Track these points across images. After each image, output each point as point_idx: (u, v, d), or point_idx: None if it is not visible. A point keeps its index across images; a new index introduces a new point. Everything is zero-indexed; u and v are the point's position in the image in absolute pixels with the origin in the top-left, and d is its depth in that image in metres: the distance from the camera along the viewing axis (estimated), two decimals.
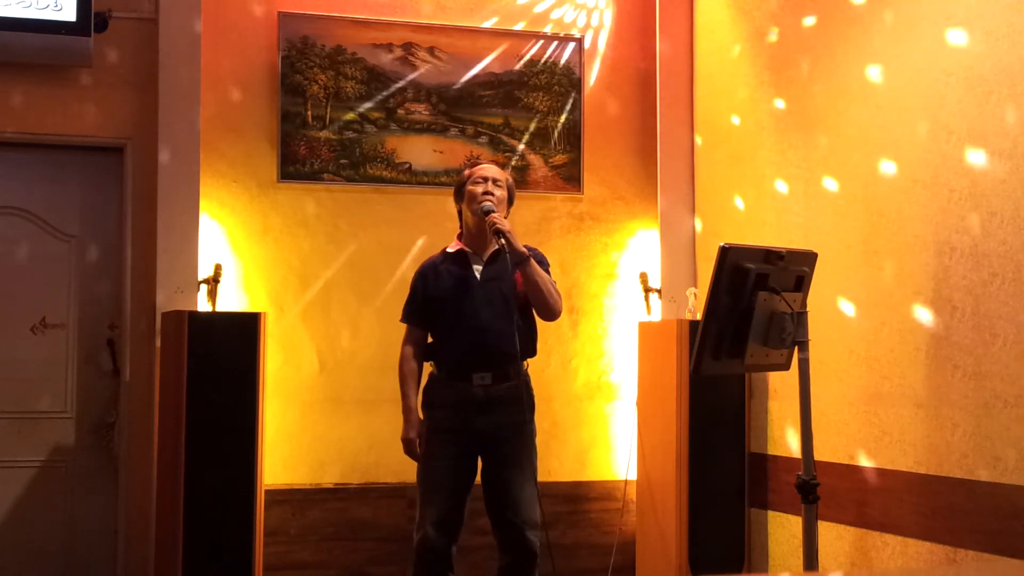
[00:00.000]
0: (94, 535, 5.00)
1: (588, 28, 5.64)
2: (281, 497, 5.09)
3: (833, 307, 4.61)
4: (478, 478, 4.37)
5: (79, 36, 4.79)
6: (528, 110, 5.53)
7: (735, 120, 5.32)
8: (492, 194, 4.34)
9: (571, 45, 5.60)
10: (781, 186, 4.98)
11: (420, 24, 5.42)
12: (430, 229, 5.25)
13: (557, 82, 5.57)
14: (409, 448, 4.33)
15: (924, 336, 4.18)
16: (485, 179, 4.38)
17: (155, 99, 4.98)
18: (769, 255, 3.70)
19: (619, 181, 5.65)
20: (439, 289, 4.37)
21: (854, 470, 4.48)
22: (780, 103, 5.01)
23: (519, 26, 5.55)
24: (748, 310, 3.61)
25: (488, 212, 4.28)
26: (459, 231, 4.50)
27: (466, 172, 4.50)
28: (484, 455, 4.33)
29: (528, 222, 5.44)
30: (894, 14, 4.36)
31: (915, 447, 4.21)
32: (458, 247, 4.43)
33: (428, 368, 4.44)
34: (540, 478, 4.37)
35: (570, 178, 5.57)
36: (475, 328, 4.29)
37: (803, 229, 4.81)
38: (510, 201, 4.46)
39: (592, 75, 5.63)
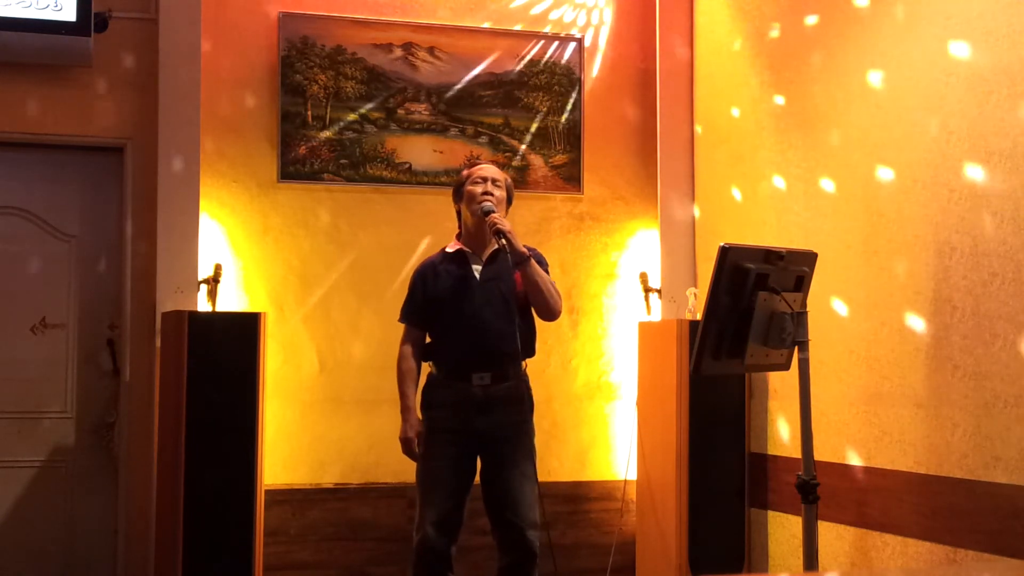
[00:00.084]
0: (94, 535, 5.00)
1: (588, 28, 5.64)
2: (281, 497, 5.09)
3: (833, 307, 4.61)
4: (477, 478, 4.37)
5: (79, 36, 4.79)
6: (528, 110, 5.53)
7: (735, 120, 5.32)
8: (491, 194, 4.34)
9: (571, 45, 5.60)
10: (781, 186, 4.98)
11: (420, 24, 5.42)
12: (430, 229, 5.25)
13: (557, 82, 5.57)
14: (407, 448, 4.33)
15: (924, 336, 4.18)
16: (484, 179, 4.38)
17: (155, 99, 4.98)
18: (769, 255, 3.70)
19: (619, 181, 5.65)
20: (438, 289, 4.37)
21: (854, 470, 4.48)
22: (780, 102, 5.01)
23: (519, 26, 5.55)
24: (748, 310, 3.61)
25: (488, 212, 4.28)
26: (458, 231, 4.50)
27: (465, 172, 4.50)
28: (483, 455, 4.33)
29: (528, 222, 5.44)
30: (894, 14, 4.36)
31: (915, 447, 4.21)
32: (457, 247, 4.43)
33: (427, 368, 4.45)
34: (540, 478, 4.37)
35: (570, 178, 5.57)
36: (475, 328, 4.29)
37: (803, 229, 4.81)
38: (509, 201, 4.47)
39: (592, 75, 5.63)
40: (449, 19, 5.45)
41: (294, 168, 5.23)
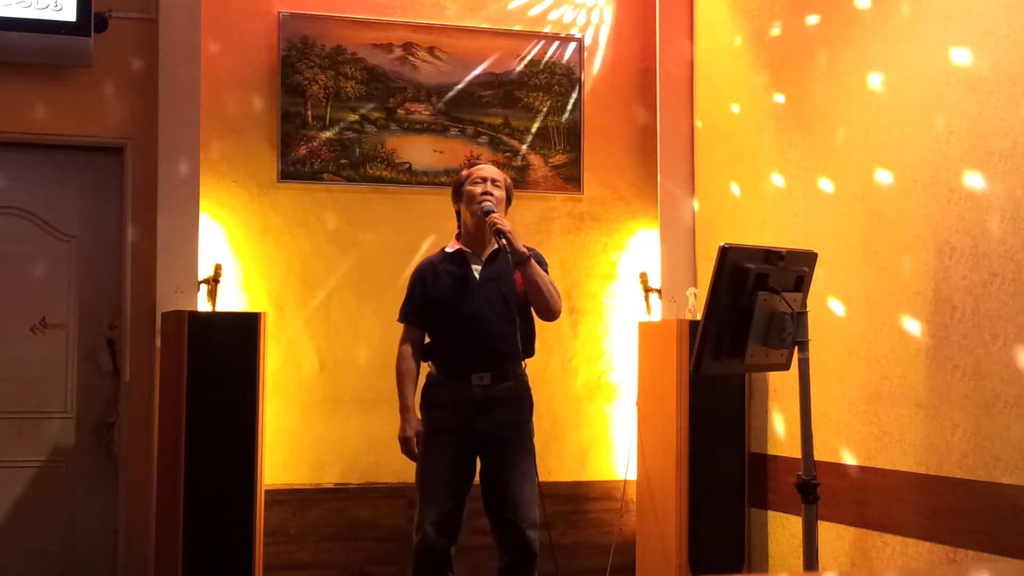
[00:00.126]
0: (94, 535, 5.00)
1: (588, 28, 5.64)
2: (281, 497, 5.09)
3: (833, 307, 4.61)
4: (477, 478, 4.37)
5: (79, 36, 4.79)
6: (528, 110, 5.53)
7: (735, 120, 5.32)
8: (491, 194, 4.34)
9: (571, 45, 5.60)
10: (781, 185, 4.98)
11: (420, 24, 5.42)
12: (431, 229, 5.25)
13: (557, 82, 5.57)
14: (406, 447, 4.33)
15: (924, 336, 4.18)
16: (484, 179, 4.38)
17: (155, 99, 4.99)
18: (769, 255, 3.70)
19: (619, 181, 5.65)
20: (438, 289, 4.37)
21: (854, 470, 4.48)
22: (780, 102, 5.01)
23: (519, 26, 5.55)
24: (748, 310, 3.61)
25: (488, 212, 4.28)
26: (457, 231, 4.50)
27: (464, 172, 4.50)
28: (483, 455, 4.33)
29: (528, 222, 5.44)
30: (894, 15, 4.36)
31: (915, 447, 4.21)
32: (457, 247, 4.43)
33: (426, 368, 4.45)
34: (540, 478, 4.37)
35: (570, 178, 5.57)
36: (475, 328, 4.29)
37: (803, 229, 4.81)
38: (508, 201, 4.47)
39: (592, 75, 5.63)
40: (449, 19, 5.45)
41: (294, 168, 5.23)
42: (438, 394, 4.36)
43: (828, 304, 4.62)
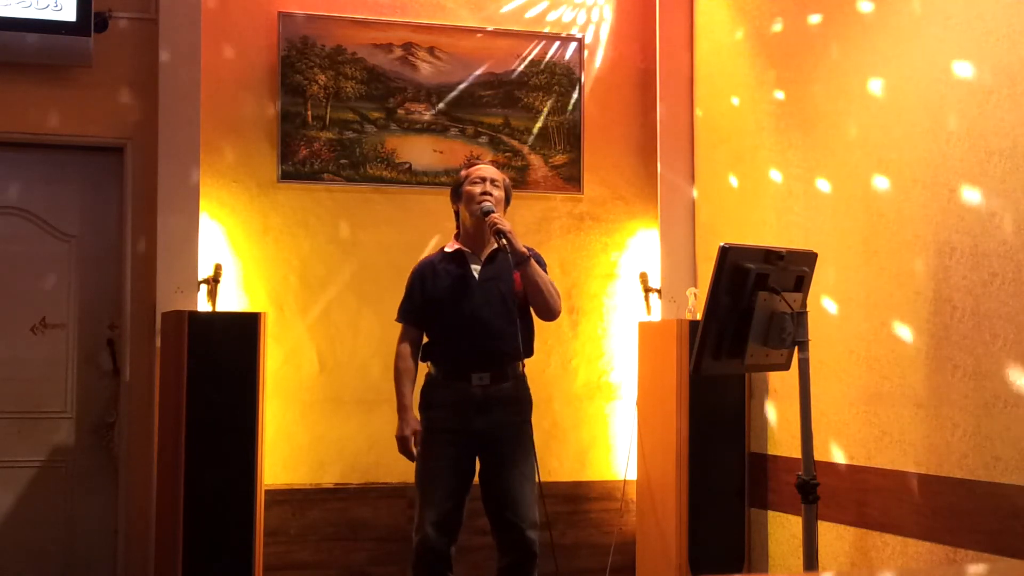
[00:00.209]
0: (94, 535, 4.99)
1: (588, 28, 5.64)
2: (281, 497, 5.09)
3: (833, 307, 4.61)
4: (476, 478, 4.37)
5: (79, 36, 4.79)
6: (528, 110, 5.53)
7: (735, 120, 5.32)
8: (490, 194, 4.35)
9: (571, 45, 5.60)
10: (781, 186, 4.98)
11: (420, 24, 5.42)
12: (430, 229, 5.25)
13: (557, 82, 5.57)
14: (403, 446, 4.33)
15: (924, 336, 4.18)
16: (483, 179, 4.38)
17: (155, 99, 4.98)
18: (769, 255, 3.70)
19: (619, 181, 5.65)
20: (437, 289, 4.37)
21: (854, 470, 4.48)
22: (781, 102, 5.01)
23: (519, 26, 5.55)
24: (748, 310, 3.61)
25: (488, 212, 4.28)
26: (456, 231, 4.50)
27: (463, 173, 4.51)
28: (482, 455, 4.33)
29: (528, 222, 5.44)
30: (894, 15, 4.36)
31: (915, 447, 4.21)
32: (456, 247, 4.43)
33: (424, 368, 4.45)
34: (540, 478, 4.36)
35: (570, 178, 5.57)
36: (474, 328, 4.29)
37: (803, 229, 4.81)
38: (507, 201, 4.47)
39: (592, 75, 5.63)
40: (449, 19, 5.45)
41: (294, 168, 5.23)
42: (437, 394, 4.36)
43: (828, 304, 4.62)
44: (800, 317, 3.67)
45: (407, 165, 5.37)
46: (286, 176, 5.22)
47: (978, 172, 3.96)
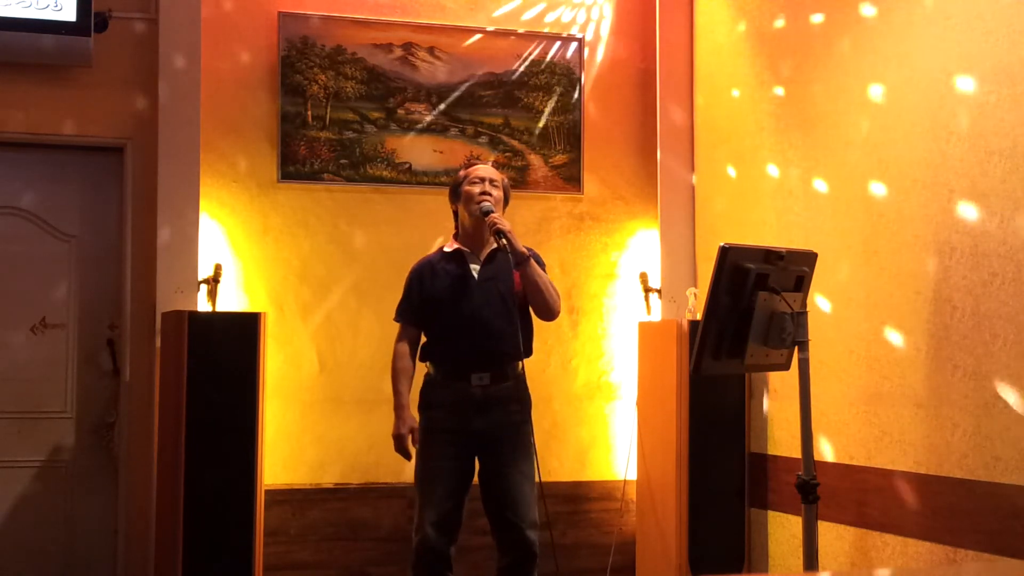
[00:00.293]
0: (94, 535, 4.99)
1: (588, 28, 5.64)
2: (281, 497, 5.09)
3: (833, 307, 4.61)
4: (476, 478, 4.37)
5: (79, 36, 4.79)
6: (528, 110, 5.53)
7: (735, 120, 5.31)
8: (489, 194, 4.35)
9: (571, 45, 5.60)
10: (781, 185, 4.98)
11: (420, 24, 5.42)
12: (430, 229, 5.25)
13: (557, 82, 5.57)
14: (399, 444, 4.33)
15: (924, 336, 4.18)
16: (481, 179, 4.39)
17: (155, 99, 4.99)
18: (769, 255, 3.70)
19: (619, 181, 5.65)
20: (436, 288, 4.37)
21: (854, 470, 4.48)
22: (780, 102, 5.01)
23: (519, 26, 5.55)
24: (748, 310, 3.61)
25: (487, 212, 4.28)
26: (455, 231, 4.50)
27: (461, 173, 4.51)
28: (482, 455, 4.33)
29: (528, 222, 5.44)
30: (894, 14, 4.36)
31: (915, 447, 4.21)
32: (455, 246, 4.43)
33: (422, 368, 4.44)
34: (540, 478, 4.36)
35: (570, 178, 5.57)
36: (474, 328, 4.29)
37: (803, 229, 4.81)
38: (506, 201, 4.47)
39: (592, 75, 5.63)
40: (449, 19, 5.45)
41: (294, 168, 5.23)
42: (437, 394, 4.36)
43: (828, 304, 4.62)
44: (800, 317, 3.67)
45: (407, 165, 5.37)
46: (286, 176, 5.22)
47: (978, 172, 3.96)
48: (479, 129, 5.46)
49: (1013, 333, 3.82)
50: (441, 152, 5.41)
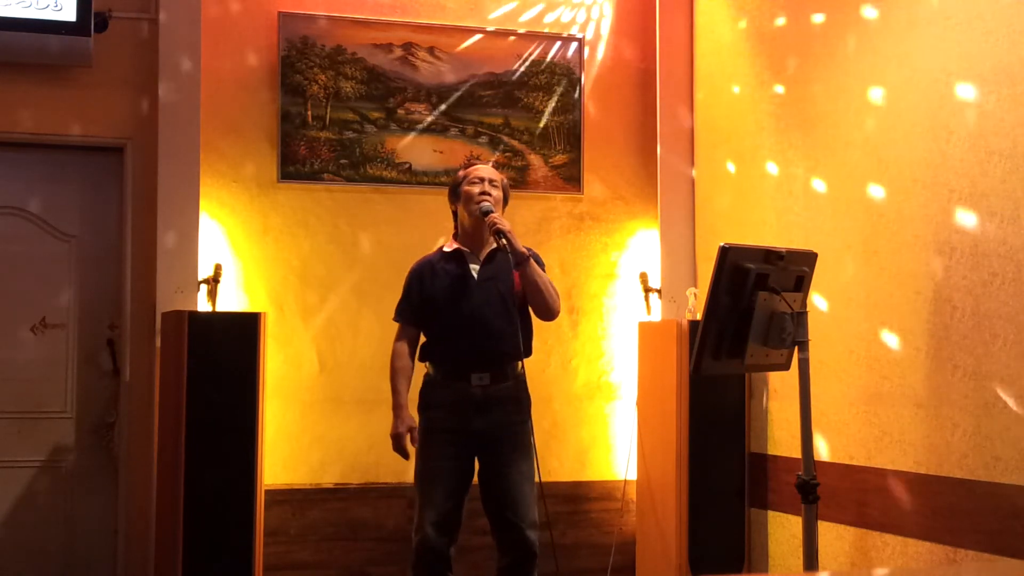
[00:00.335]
0: (94, 535, 4.99)
1: (588, 28, 5.64)
2: (281, 497, 5.09)
3: (833, 307, 4.61)
4: (476, 478, 4.36)
5: (79, 36, 4.79)
6: (528, 110, 5.53)
7: (735, 120, 5.32)
8: (489, 194, 4.35)
9: (571, 45, 5.60)
10: (781, 185, 4.98)
11: (420, 24, 5.42)
12: (430, 229, 5.24)
13: (557, 82, 5.57)
14: (397, 443, 4.34)
15: (924, 336, 4.18)
16: (481, 179, 4.39)
17: (155, 99, 4.99)
18: (769, 255, 3.70)
19: (619, 181, 5.65)
20: (436, 288, 4.37)
21: (854, 470, 4.48)
22: (781, 102, 5.01)
23: (519, 27, 5.55)
24: (748, 310, 3.61)
25: (487, 212, 4.28)
26: (454, 231, 4.50)
27: (461, 173, 4.51)
28: (482, 455, 4.33)
29: (528, 222, 5.44)
30: (895, 14, 4.36)
31: (915, 447, 4.21)
32: (455, 246, 4.43)
33: (421, 368, 4.44)
34: (540, 478, 4.36)
35: (570, 178, 5.57)
36: (474, 328, 4.29)
37: (803, 229, 4.81)
38: (505, 201, 4.48)
39: (592, 75, 5.63)
40: (449, 19, 5.45)
41: (294, 168, 5.23)
42: (436, 394, 4.36)
43: (829, 304, 4.62)
44: (800, 317, 3.67)
45: (407, 165, 5.37)
46: (286, 176, 5.22)
47: (978, 172, 3.96)
48: (479, 129, 5.46)
49: (1013, 333, 3.82)
50: (441, 152, 5.41)
